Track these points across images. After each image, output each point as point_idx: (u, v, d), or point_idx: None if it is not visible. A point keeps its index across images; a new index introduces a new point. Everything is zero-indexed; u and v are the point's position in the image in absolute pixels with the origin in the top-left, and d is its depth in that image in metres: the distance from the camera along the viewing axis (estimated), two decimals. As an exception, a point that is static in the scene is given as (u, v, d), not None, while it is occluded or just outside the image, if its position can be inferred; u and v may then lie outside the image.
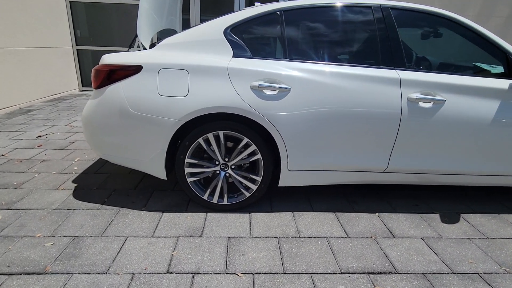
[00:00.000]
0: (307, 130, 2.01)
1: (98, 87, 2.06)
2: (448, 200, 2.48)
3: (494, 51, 2.13)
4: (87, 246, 1.80)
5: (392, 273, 1.68)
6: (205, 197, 2.17)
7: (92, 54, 6.51)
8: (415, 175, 2.21)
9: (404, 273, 1.68)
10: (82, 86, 6.69)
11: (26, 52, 5.12)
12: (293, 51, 2.05)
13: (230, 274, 1.64)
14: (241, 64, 1.98)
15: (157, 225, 2.02)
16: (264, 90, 1.96)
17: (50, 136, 3.69)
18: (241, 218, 2.13)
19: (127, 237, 1.90)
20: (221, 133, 2.03)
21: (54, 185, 2.51)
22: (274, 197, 2.44)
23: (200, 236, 1.93)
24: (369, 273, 1.68)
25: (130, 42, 2.96)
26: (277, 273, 1.65)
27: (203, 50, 2.04)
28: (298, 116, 1.98)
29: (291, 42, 2.06)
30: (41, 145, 3.36)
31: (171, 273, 1.63)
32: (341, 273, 1.67)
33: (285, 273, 1.65)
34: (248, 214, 2.19)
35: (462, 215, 2.28)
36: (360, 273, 1.67)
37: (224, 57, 2.01)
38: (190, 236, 1.93)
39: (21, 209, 2.14)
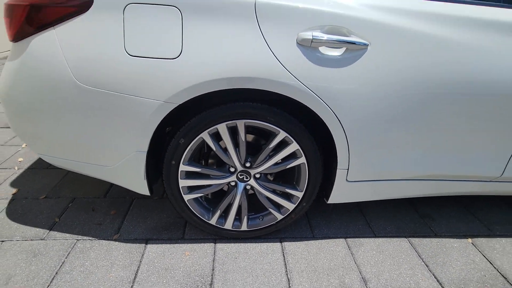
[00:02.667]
0: (388, 120, 1.17)
1: (16, 38, 1.13)
2: (557, 212, 1.74)
3: None
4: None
5: None
6: (213, 221, 1.37)
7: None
8: (540, 185, 1.42)
9: None
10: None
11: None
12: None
13: None
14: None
15: (137, 272, 1.24)
16: (320, 48, 1.07)
17: (-5, 107, 2.76)
18: (269, 254, 1.36)
19: (85, 302, 1.12)
20: (240, 124, 1.17)
21: (-20, 191, 1.67)
22: (310, 209, 1.66)
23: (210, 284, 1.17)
24: None
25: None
26: None
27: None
28: (376, 96, 1.12)
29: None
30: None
31: None
32: None
33: None
34: (279, 243, 1.42)
35: None
36: None
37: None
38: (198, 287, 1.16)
39: None
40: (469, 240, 1.51)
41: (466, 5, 1.13)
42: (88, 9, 1.05)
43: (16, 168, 1.89)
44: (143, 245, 1.38)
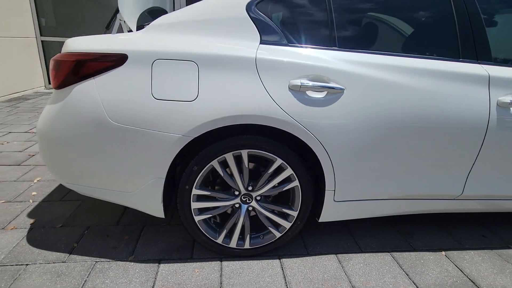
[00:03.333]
0: (364, 147, 1.43)
1: (60, 86, 1.38)
2: (518, 227, 2.00)
3: None
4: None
5: None
6: (220, 240, 1.55)
7: (59, 46, 5.64)
8: (495, 202, 1.69)
9: None
10: (49, 83, 5.81)
11: (-25, 42, 4.25)
12: (345, 37, 1.46)
13: None
14: (274, 53, 1.37)
15: (153, 287, 1.39)
16: (307, 92, 1.37)
17: (4, 146, 2.92)
18: (270, 269, 1.53)
19: (109, 313, 1.25)
20: (244, 153, 1.42)
21: (0, 222, 1.80)
22: (304, 230, 1.86)
23: (219, 305, 1.32)
24: None
25: (107, 22, 2.33)
26: None
27: (217, 33, 1.41)
28: (353, 128, 1.40)
29: (342, 25, 1.46)
30: (-11, 160, 2.60)
31: None
32: None
33: None
34: (278, 260, 1.60)
35: (545, 249, 1.79)
36: None
37: (248, 43, 1.40)
38: (204, 306, 1.31)
39: None
40: (443, 253, 1.72)
41: (417, 59, 1.47)
42: (123, 64, 1.33)
43: (31, 201, 2.04)
44: (156, 264, 1.53)
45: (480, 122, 1.47)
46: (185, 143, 1.35)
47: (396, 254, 1.69)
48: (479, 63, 1.50)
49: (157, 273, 1.47)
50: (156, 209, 1.48)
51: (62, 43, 5.60)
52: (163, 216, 1.50)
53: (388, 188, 1.55)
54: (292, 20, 1.45)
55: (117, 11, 2.43)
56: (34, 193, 2.14)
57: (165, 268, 1.51)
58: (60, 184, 2.27)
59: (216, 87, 1.32)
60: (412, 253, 1.70)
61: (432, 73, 1.45)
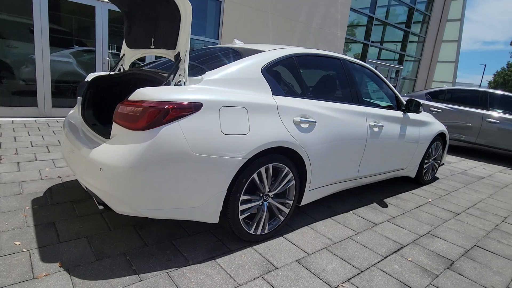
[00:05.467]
0: (324, 153, 2.46)
1: (145, 128, 1.67)
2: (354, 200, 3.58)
3: (388, 92, 3.37)
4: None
5: (403, 247, 2.44)
6: (253, 231, 2.18)
7: None
8: (367, 178, 3.12)
9: (407, 245, 2.48)
10: None
11: None
12: (309, 91, 2.46)
13: None
14: (283, 101, 2.19)
15: (234, 272, 1.88)
16: (301, 124, 2.27)
17: None
18: (281, 243, 2.29)
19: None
20: (270, 166, 2.14)
21: (21, 274, 1.67)
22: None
23: (276, 268, 1.98)
24: (395, 251, 2.36)
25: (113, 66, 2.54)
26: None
27: (247, 87, 2.09)
28: (319, 142, 2.40)
29: (306, 83, 2.46)
30: None
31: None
32: None
33: (362, 271, 2.06)
34: (281, 237, 2.37)
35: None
36: (392, 253, 2.32)
37: (267, 95, 2.15)
38: (269, 272, 1.94)
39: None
40: (351, 212, 2.99)
41: (340, 103, 2.65)
42: (200, 109, 1.80)
43: (25, 249, 1.87)
44: (213, 261, 1.98)
45: (364, 135, 2.81)
46: (243, 163, 1.95)
47: (337, 217, 2.81)
48: (361, 105, 2.86)
49: (220, 265, 1.95)
50: (213, 217, 1.96)
51: None
52: (217, 221, 1.99)
53: (334, 176, 2.65)
54: (284, 79, 2.32)
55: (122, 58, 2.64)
56: (17, 242, 1.93)
57: (222, 261, 1.99)
58: (39, 226, 2.10)
59: (259, 124, 2.01)
60: (348, 213, 2.87)
61: (345, 111, 2.67)
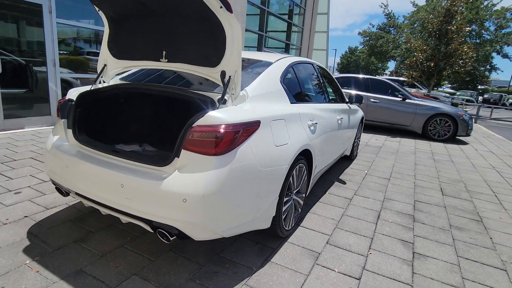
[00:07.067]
0: (321, 143, 2.87)
1: (223, 152, 1.69)
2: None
3: (337, 88, 4.03)
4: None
5: (380, 213, 3.15)
6: (286, 227, 2.42)
7: None
8: (335, 160, 3.72)
9: (381, 210, 3.20)
10: None
11: None
12: (307, 96, 2.79)
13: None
14: (300, 109, 2.46)
15: (294, 266, 2.11)
16: (311, 127, 2.59)
17: None
18: (304, 232, 2.63)
19: (300, 288, 1.92)
20: (297, 167, 2.41)
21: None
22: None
23: (319, 253, 2.32)
24: (378, 217, 3.03)
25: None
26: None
27: (274, 99, 2.26)
28: (319, 140, 2.80)
29: (303, 89, 2.77)
30: None
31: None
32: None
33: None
34: (300, 227, 2.70)
35: (340, 178, 4.11)
36: (378, 219, 2.98)
37: (288, 104, 2.37)
38: (317, 258, 2.26)
39: None
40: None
41: (325, 104, 3.08)
42: (259, 127, 1.90)
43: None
44: (270, 262, 2.16)
45: (336, 126, 3.35)
46: (288, 170, 2.16)
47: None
48: (332, 103, 3.37)
49: (278, 264, 2.14)
50: (268, 222, 2.12)
51: None
52: (269, 225, 2.16)
53: (326, 161, 3.10)
54: (291, 88, 2.57)
55: (102, 71, 2.16)
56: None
57: (277, 260, 2.19)
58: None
59: (292, 132, 2.24)
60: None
61: (327, 109, 3.13)
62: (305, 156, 2.60)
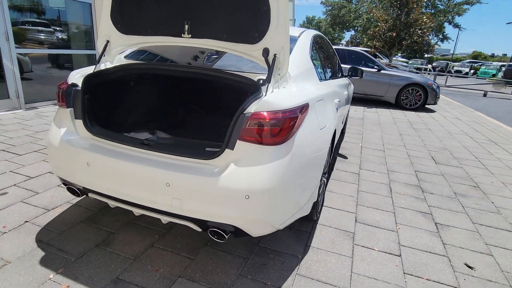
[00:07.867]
0: (338, 123, 2.80)
1: (284, 140, 1.53)
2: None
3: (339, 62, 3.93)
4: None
5: (390, 186, 3.22)
6: (320, 208, 2.37)
7: None
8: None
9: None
10: None
11: None
12: (327, 72, 2.65)
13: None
14: (329, 87, 2.33)
15: (336, 249, 2.08)
16: (336, 105, 2.49)
17: None
18: (330, 212, 2.60)
19: None
20: (329, 147, 2.32)
21: None
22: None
23: (353, 233, 2.31)
24: (390, 191, 3.10)
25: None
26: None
27: (308, 78, 2.10)
28: (337, 116, 2.72)
29: (324, 65, 2.62)
30: None
31: (398, 254, 2.11)
32: (391, 197, 2.96)
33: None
34: (324, 207, 2.67)
35: (340, 152, 4.13)
36: (391, 193, 3.05)
37: (318, 83, 2.22)
38: (353, 238, 2.25)
39: None
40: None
41: (336, 79, 2.98)
42: (308, 108, 1.75)
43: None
44: (312, 247, 2.11)
45: (348, 100, 3.29)
46: (328, 153, 2.06)
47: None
48: (342, 77, 3.27)
49: (320, 249, 2.10)
50: (309, 208, 2.04)
51: None
52: (309, 212, 2.08)
53: (337, 138, 3.05)
54: (316, 64, 2.41)
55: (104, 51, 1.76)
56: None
57: (317, 245, 2.14)
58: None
59: (329, 113, 2.13)
60: (332, 174, 3.37)
61: (341, 85, 3.03)
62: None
